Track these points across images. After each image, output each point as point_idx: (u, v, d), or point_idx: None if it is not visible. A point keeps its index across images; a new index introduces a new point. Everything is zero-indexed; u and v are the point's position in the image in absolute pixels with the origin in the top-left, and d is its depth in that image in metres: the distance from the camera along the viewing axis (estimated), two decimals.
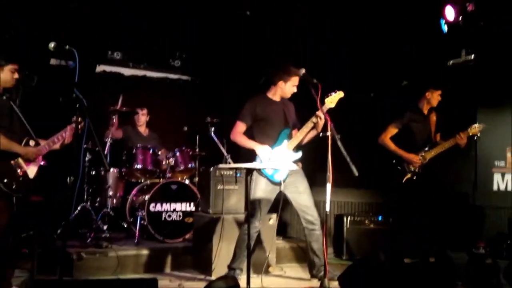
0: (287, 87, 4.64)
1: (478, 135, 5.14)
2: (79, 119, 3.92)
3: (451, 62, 5.86)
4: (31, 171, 3.85)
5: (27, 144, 3.86)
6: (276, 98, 4.72)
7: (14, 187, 3.70)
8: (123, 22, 6.39)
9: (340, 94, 4.53)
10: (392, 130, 5.33)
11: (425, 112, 5.38)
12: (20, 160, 3.79)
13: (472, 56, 5.70)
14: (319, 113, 4.42)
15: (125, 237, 5.66)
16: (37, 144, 3.93)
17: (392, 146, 5.29)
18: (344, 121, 4.87)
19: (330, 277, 4.30)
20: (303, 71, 4.51)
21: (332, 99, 4.51)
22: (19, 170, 3.76)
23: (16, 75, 3.84)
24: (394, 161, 5.26)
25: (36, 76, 5.74)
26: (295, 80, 4.61)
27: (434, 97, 5.33)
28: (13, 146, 3.75)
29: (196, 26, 6.66)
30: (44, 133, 4.19)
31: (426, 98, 5.35)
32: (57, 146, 4.03)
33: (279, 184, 4.53)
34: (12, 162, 3.74)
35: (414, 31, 5.94)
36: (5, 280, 3.85)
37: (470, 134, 5.12)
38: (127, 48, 6.95)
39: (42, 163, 3.95)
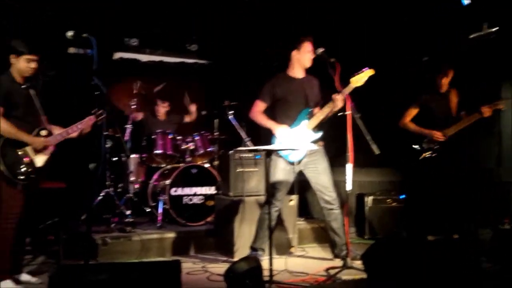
0: (302, 55, 4.55)
1: (502, 108, 5.05)
2: (100, 111, 3.98)
3: (472, 35, 5.73)
4: (39, 160, 3.90)
5: (38, 134, 3.92)
6: (297, 74, 4.64)
7: (18, 173, 3.76)
8: (139, 8, 6.37)
9: (370, 72, 4.34)
10: (412, 112, 5.35)
11: (442, 90, 5.30)
12: (28, 149, 3.84)
13: (494, 29, 5.56)
14: (335, 97, 4.30)
15: (148, 221, 5.74)
16: (49, 134, 3.98)
17: (412, 126, 5.30)
18: (364, 99, 4.79)
19: (352, 256, 4.30)
20: (321, 50, 4.43)
21: (359, 78, 4.33)
22: (25, 159, 3.81)
23: (33, 65, 3.87)
24: (411, 142, 5.24)
25: (55, 65, 5.81)
26: (307, 46, 4.52)
27: (446, 79, 5.26)
28: (21, 135, 3.80)
29: (212, 9, 6.60)
30: (64, 121, 4.23)
31: (438, 79, 5.30)
32: (74, 135, 4.08)
33: (296, 164, 4.50)
34: (18, 150, 3.80)
35: (434, 5, 5.80)
36: (18, 267, 3.95)
37: (495, 108, 5.01)
38: (143, 35, 6.95)
39: (51, 150, 4.00)
